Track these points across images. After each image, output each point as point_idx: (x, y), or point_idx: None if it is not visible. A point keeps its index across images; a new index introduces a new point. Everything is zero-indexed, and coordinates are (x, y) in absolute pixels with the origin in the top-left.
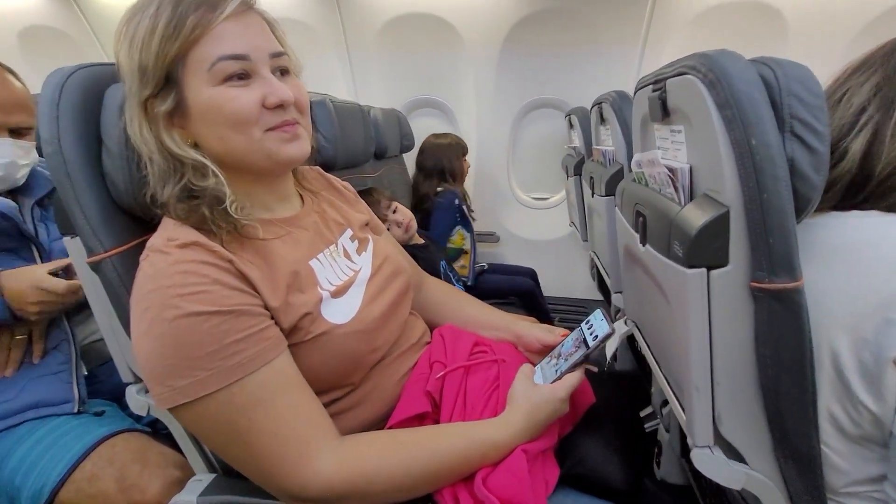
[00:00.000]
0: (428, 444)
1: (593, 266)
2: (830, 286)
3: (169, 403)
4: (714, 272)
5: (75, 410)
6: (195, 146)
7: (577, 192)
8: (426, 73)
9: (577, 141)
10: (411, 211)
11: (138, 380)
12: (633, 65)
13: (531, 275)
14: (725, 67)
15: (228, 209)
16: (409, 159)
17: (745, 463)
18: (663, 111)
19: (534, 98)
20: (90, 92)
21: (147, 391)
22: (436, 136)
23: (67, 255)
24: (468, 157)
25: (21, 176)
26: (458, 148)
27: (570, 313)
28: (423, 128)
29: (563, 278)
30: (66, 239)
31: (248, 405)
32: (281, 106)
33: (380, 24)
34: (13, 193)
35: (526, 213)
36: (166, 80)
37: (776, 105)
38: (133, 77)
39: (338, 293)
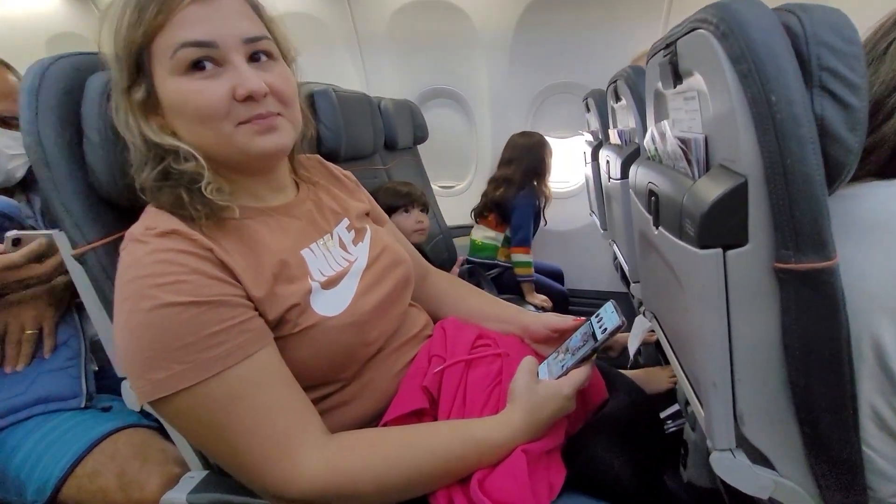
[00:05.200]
0: (420, 443)
1: (615, 256)
2: (872, 266)
3: (149, 397)
4: (731, 252)
5: (83, 405)
6: (173, 134)
7: (595, 179)
8: (438, 62)
9: (595, 124)
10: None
11: None
12: (654, 42)
13: (559, 275)
14: (739, 15)
15: (203, 190)
16: (424, 151)
17: (773, 468)
18: (675, 76)
19: (550, 83)
20: (72, 82)
21: None
22: (520, 134)
23: None
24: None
25: (13, 167)
26: (539, 147)
27: (593, 307)
28: (437, 119)
29: (585, 270)
30: (55, 232)
31: (228, 400)
32: (251, 98)
33: (389, 14)
34: (25, 192)
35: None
36: (137, 69)
37: (802, 56)
38: (113, 65)
39: (329, 284)
